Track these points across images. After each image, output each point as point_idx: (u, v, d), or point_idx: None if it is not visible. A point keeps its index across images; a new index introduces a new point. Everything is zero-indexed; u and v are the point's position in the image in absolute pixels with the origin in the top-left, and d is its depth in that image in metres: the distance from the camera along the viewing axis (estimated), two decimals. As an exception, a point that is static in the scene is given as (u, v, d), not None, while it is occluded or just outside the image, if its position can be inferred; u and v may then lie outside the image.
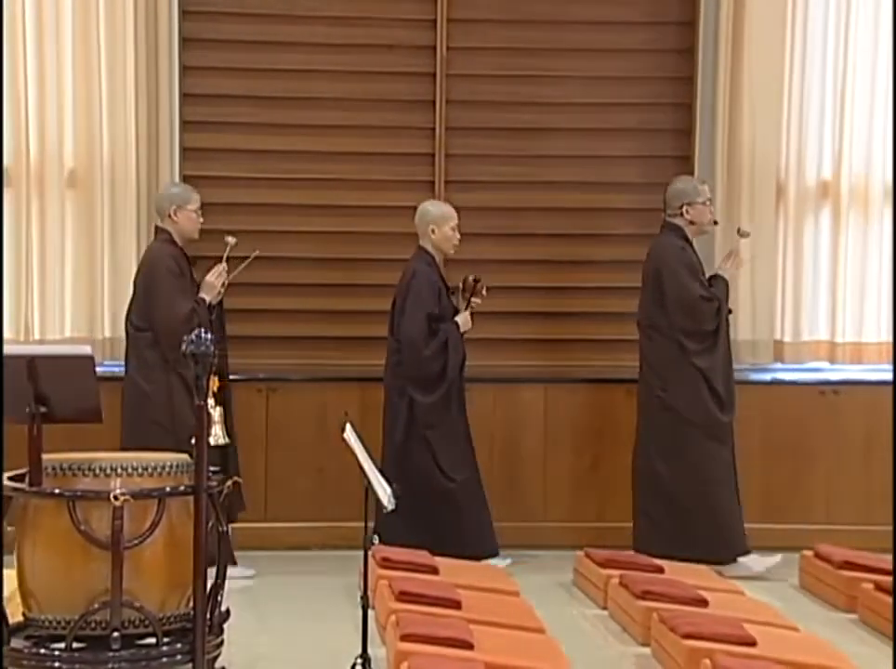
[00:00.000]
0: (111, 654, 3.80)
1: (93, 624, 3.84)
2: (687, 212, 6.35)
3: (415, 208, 7.11)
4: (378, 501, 4.26)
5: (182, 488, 3.93)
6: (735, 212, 7.08)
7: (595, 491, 6.91)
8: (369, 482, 4.25)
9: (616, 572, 5.57)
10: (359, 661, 4.21)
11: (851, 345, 7.13)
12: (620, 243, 7.19)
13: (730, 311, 6.40)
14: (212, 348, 3.86)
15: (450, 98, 7.09)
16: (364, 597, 4.25)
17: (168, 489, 3.91)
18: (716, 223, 6.52)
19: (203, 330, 3.91)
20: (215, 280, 6.13)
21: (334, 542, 6.56)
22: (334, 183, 7.07)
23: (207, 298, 6.12)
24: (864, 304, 7.13)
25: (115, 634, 3.80)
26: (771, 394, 6.97)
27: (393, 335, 6.29)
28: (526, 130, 7.16)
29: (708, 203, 6.44)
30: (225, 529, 4.08)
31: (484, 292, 6.36)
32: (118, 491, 3.80)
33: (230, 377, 6.22)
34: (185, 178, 6.97)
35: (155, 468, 3.95)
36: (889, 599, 5.26)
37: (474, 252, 6.76)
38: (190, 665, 3.83)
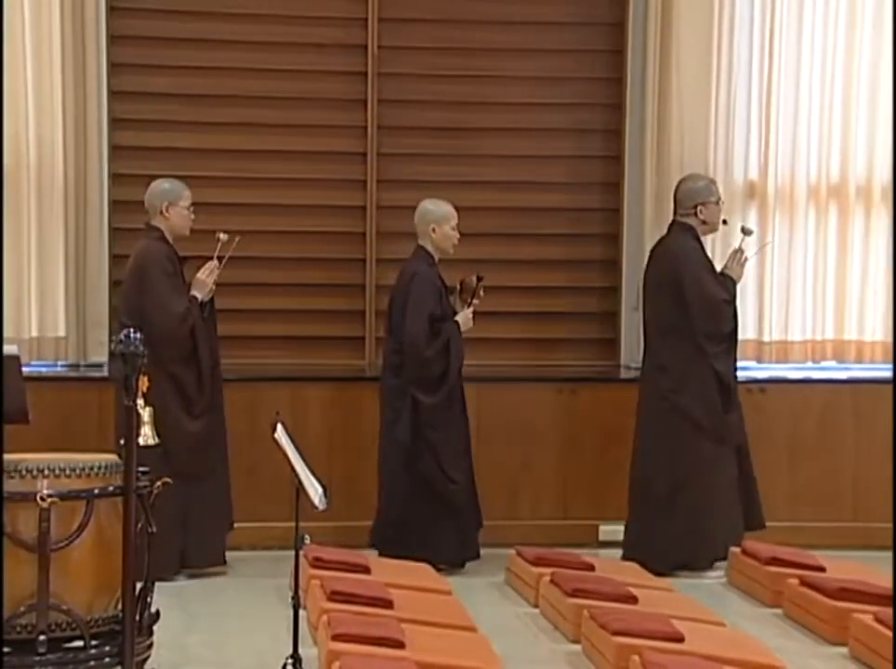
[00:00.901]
0: (37, 658, 3.76)
1: (19, 628, 3.79)
2: (700, 212, 6.30)
3: (348, 207, 7.13)
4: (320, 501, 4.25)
5: (111, 489, 3.89)
6: (665, 212, 7.14)
7: (527, 490, 6.93)
8: (300, 482, 4.23)
9: (548, 570, 5.60)
10: (289, 661, 4.20)
11: (778, 344, 7.25)
12: (550, 243, 7.24)
13: (735, 312, 6.37)
14: (141, 348, 3.81)
15: (381, 98, 7.10)
16: (295, 597, 4.24)
17: (97, 490, 3.87)
18: (724, 222, 6.48)
19: (132, 330, 3.86)
20: (206, 277, 6.07)
21: (265, 542, 6.52)
22: (265, 182, 7.05)
23: (199, 296, 6.07)
24: (790, 303, 7.24)
25: (42, 637, 3.75)
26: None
27: (392, 336, 6.25)
28: (457, 129, 7.18)
29: (720, 202, 6.41)
30: (154, 530, 4.04)
31: (482, 292, 6.31)
32: (45, 493, 3.75)
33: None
34: (115, 177, 6.91)
35: (84, 469, 3.90)
36: (814, 594, 5.35)
37: (405, 251, 6.75)
38: (119, 668, 3.80)
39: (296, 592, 4.25)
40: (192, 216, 6.14)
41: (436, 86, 7.14)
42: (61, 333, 6.78)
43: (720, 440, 6.23)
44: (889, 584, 5.53)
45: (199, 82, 6.98)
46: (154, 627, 4.04)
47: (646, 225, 7.13)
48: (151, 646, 3.99)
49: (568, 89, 7.21)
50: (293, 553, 4.32)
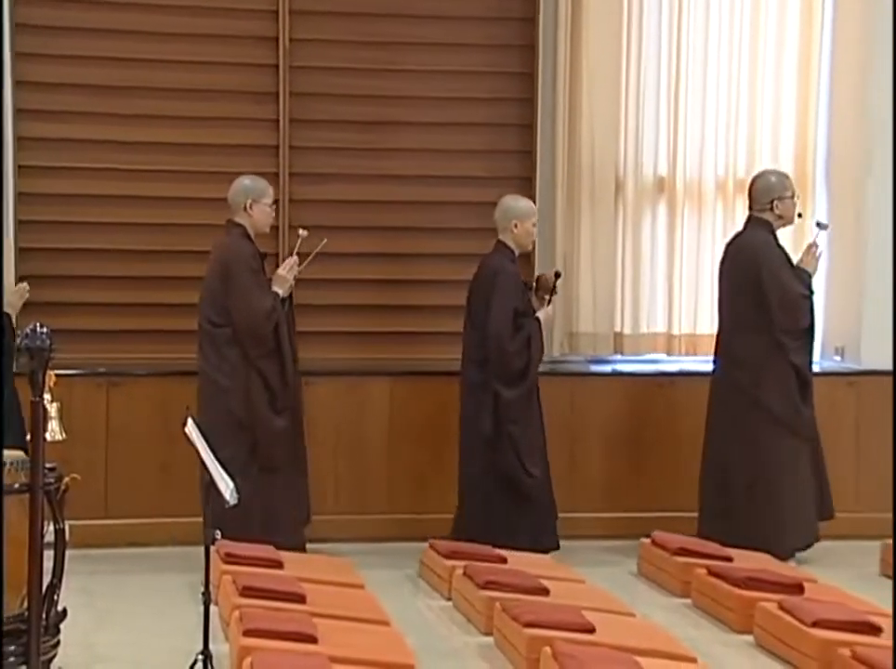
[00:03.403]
0: (-60, 658, 3.69)
1: (-79, 629, 3.71)
2: (776, 206, 6.35)
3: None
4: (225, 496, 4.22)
5: (17, 486, 3.83)
6: (576, 206, 7.22)
7: (440, 483, 6.94)
8: (210, 477, 4.20)
9: (461, 563, 5.63)
10: (199, 657, 4.16)
11: (687, 337, 7.35)
12: (464, 237, 7.24)
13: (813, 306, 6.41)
14: (48, 343, 3.76)
15: (293, 91, 7.06)
16: (206, 593, 4.20)
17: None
18: (800, 216, 6.53)
19: (39, 324, 3.80)
20: (286, 273, 6.11)
21: (177, 538, 6.46)
22: (177, 175, 6.97)
23: (280, 292, 6.08)
24: (699, 297, 7.35)
25: (-55, 637, 3.69)
26: (611, 385, 7.12)
27: (474, 331, 6.32)
28: (370, 123, 7.17)
29: (795, 196, 6.44)
30: (63, 526, 3.99)
31: (557, 289, 6.41)
32: (-52, 491, 3.68)
33: (68, 372, 6.11)
34: (20, 169, 6.79)
35: (-12, 466, 3.83)
36: (721, 583, 5.43)
37: (317, 244, 6.71)
38: (24, 668, 3.74)
39: (206, 587, 4.22)
40: (273, 214, 6.18)
41: (348, 80, 7.12)
42: (-34, 327, 6.65)
43: (796, 434, 6.29)
44: (794, 574, 5.65)
45: (107, 73, 6.88)
46: (61, 626, 3.99)
47: (558, 219, 7.18)
48: (57, 645, 3.94)
49: (480, 84, 7.23)
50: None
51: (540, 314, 6.36)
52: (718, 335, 6.55)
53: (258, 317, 5.97)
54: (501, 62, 7.25)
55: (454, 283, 7.19)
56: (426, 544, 6.12)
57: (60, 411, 4.12)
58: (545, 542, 6.31)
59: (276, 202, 6.31)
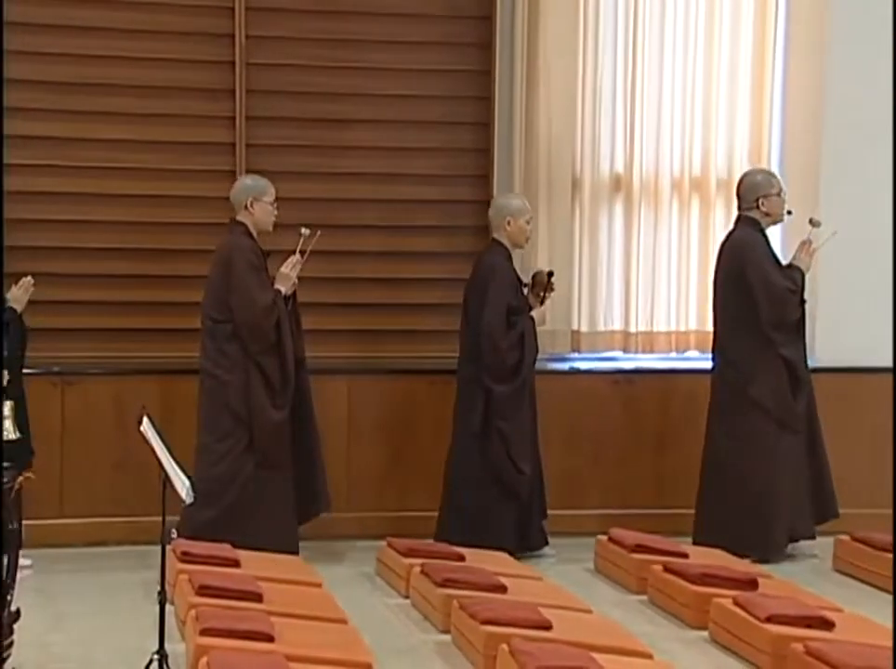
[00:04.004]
0: None
1: None
2: (762, 204, 6.41)
3: (215, 198, 7.04)
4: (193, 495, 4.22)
5: (-30, 486, 3.80)
6: (533, 204, 7.21)
7: (398, 482, 6.95)
8: (167, 475, 4.19)
9: (418, 561, 5.63)
10: (155, 657, 4.14)
11: (643, 334, 7.38)
12: (421, 234, 7.26)
13: (804, 301, 6.46)
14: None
15: (250, 88, 7.03)
16: (162, 592, 4.19)
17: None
18: (789, 213, 6.58)
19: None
20: (290, 271, 6.14)
21: (133, 537, 6.43)
22: (133, 172, 6.93)
23: (283, 290, 6.09)
24: (655, 294, 7.38)
25: None
26: (569, 382, 7.14)
27: (470, 327, 6.34)
28: (328, 121, 7.15)
29: (782, 194, 6.48)
30: (17, 526, 3.96)
31: (553, 287, 6.45)
32: None
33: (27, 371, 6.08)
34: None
35: (-59, 465, 3.81)
36: (677, 579, 5.47)
37: (277, 243, 6.71)
38: (-22, 669, 3.72)
39: (162, 587, 4.20)
40: (276, 212, 6.20)
41: (305, 77, 7.10)
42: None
43: (785, 426, 6.33)
44: (748, 570, 5.70)
45: (66, 70, 6.81)
46: (15, 626, 3.96)
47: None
48: (11, 645, 3.91)
49: (437, 82, 7.23)
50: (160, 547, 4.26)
51: (535, 313, 6.42)
52: (714, 334, 6.61)
53: (258, 312, 6.00)
54: (458, 60, 7.26)
55: (412, 281, 7.20)
56: (383, 543, 6.11)
57: (13, 410, 4.10)
58: (531, 540, 6.35)
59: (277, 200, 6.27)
